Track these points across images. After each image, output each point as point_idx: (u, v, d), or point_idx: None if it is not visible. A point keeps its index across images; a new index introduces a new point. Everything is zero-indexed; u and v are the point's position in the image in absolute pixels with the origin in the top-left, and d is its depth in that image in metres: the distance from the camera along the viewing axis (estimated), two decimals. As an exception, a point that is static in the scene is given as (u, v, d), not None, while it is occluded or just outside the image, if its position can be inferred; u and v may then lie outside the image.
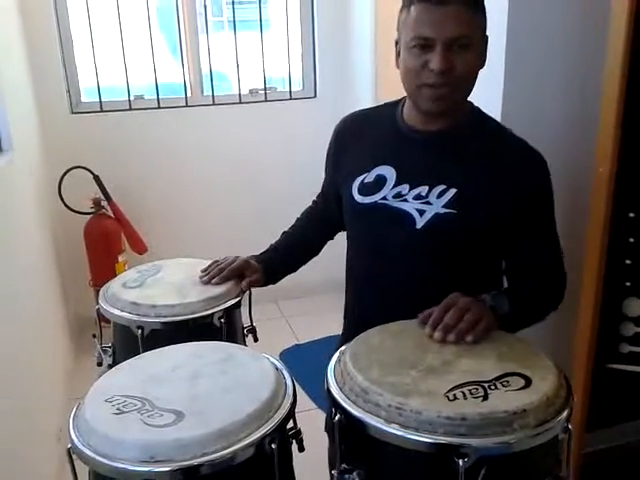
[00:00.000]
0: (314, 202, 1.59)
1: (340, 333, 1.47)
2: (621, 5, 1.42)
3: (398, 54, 1.22)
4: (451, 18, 1.11)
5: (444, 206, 1.21)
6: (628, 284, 1.65)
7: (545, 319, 1.29)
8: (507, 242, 1.28)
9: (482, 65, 1.21)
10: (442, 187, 1.22)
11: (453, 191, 1.21)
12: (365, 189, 1.29)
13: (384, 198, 1.27)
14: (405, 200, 1.25)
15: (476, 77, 1.20)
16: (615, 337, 1.70)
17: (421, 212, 1.23)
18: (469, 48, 1.14)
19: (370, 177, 1.29)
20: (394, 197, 1.26)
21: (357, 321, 1.26)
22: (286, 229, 1.57)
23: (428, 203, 1.23)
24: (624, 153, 1.55)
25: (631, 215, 1.61)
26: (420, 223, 1.23)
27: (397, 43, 1.23)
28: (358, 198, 1.30)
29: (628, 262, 1.63)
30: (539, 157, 1.25)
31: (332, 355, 1.43)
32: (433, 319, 1.09)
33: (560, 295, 1.31)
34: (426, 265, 1.27)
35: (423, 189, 1.23)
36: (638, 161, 1.57)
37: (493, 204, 1.21)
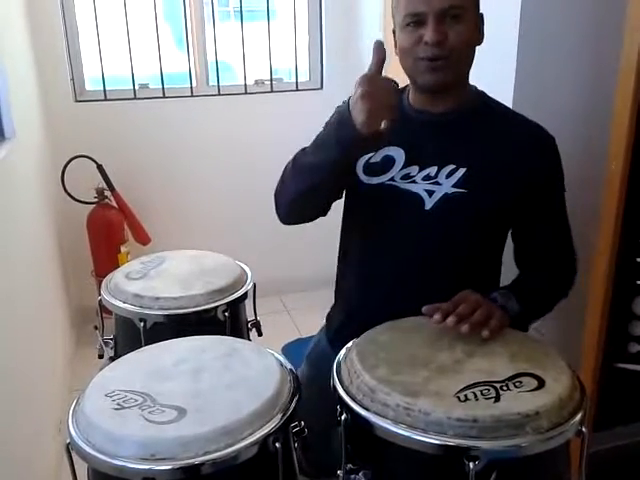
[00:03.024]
0: None
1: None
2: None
3: (396, 43, 1.23)
4: None
5: (454, 186, 1.20)
6: (638, 283, 1.62)
7: (553, 308, 1.27)
8: (519, 224, 1.28)
9: (480, 41, 1.21)
10: (451, 167, 1.21)
11: (462, 170, 1.20)
12: (371, 169, 1.26)
13: (392, 179, 1.24)
14: (414, 182, 1.22)
15: (473, 52, 1.20)
16: (624, 336, 1.67)
17: (430, 193, 1.21)
18: (461, 19, 1.14)
19: (377, 157, 1.26)
20: (402, 178, 1.23)
21: (359, 315, 1.22)
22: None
23: (437, 183, 1.21)
24: (636, 150, 1.52)
25: (643, 212, 1.58)
26: (429, 204, 1.21)
27: (394, 32, 1.24)
28: (363, 178, 1.26)
29: (639, 260, 1.61)
30: (549, 136, 1.24)
31: (316, 340, 1.43)
32: (443, 309, 1.07)
33: (571, 280, 1.30)
34: (435, 248, 1.24)
35: (432, 169, 1.22)
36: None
37: (504, 184, 1.20)
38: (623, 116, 1.49)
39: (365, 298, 1.33)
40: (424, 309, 1.09)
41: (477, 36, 1.20)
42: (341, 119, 1.06)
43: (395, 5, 1.20)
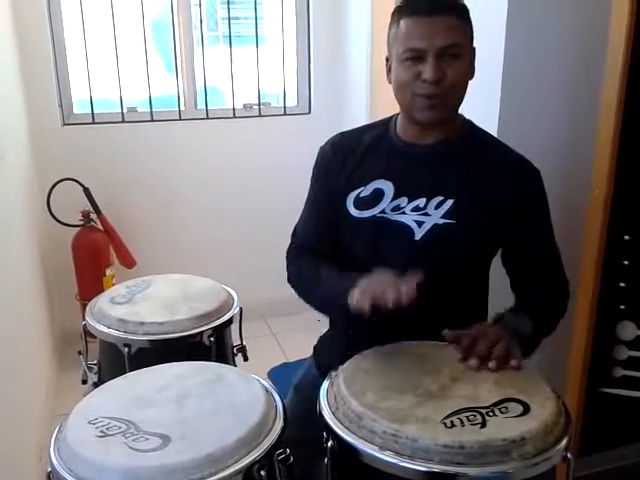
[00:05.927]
0: (295, 248, 1.41)
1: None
2: (619, 25, 1.42)
3: (389, 70, 1.24)
4: (440, 28, 1.14)
5: (442, 217, 1.21)
6: (622, 307, 1.63)
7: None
8: (506, 251, 1.29)
9: (472, 76, 1.23)
10: (440, 198, 1.22)
11: (451, 202, 1.22)
12: (362, 203, 1.28)
13: (383, 211, 1.26)
14: (403, 212, 1.24)
15: (466, 87, 1.22)
16: (608, 361, 1.68)
17: (420, 223, 1.23)
18: (460, 57, 1.16)
19: (367, 191, 1.28)
20: (392, 210, 1.25)
21: (352, 343, 1.22)
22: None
23: (426, 214, 1.23)
24: (619, 175, 1.54)
25: (626, 238, 1.60)
26: (419, 234, 1.22)
27: (388, 60, 1.25)
28: (354, 212, 1.28)
29: (622, 285, 1.62)
30: (533, 169, 1.26)
31: (303, 372, 1.43)
32: (464, 347, 1.09)
33: (564, 303, 1.32)
34: (426, 278, 1.23)
35: (421, 201, 1.23)
36: (633, 183, 1.56)
37: (490, 214, 1.22)
38: (605, 144, 1.52)
39: (356, 327, 1.30)
40: (446, 333, 1.11)
41: (470, 71, 1.22)
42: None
43: (393, 37, 1.20)
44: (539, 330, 1.24)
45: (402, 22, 1.17)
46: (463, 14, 1.19)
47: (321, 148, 1.39)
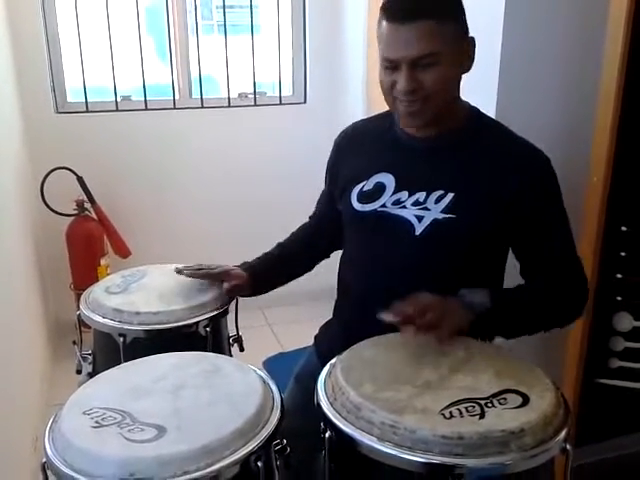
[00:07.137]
0: (310, 218, 1.54)
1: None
2: (619, 10, 1.41)
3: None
4: (414, 38, 1.11)
5: (442, 211, 1.19)
6: (619, 299, 1.64)
7: (570, 324, 1.26)
8: (518, 243, 1.26)
9: (467, 69, 1.21)
10: (440, 192, 1.21)
11: (451, 196, 1.20)
12: (364, 197, 1.27)
13: (383, 205, 1.25)
14: (404, 207, 1.23)
15: (455, 84, 1.21)
16: (605, 352, 1.68)
17: (419, 218, 1.21)
18: (437, 64, 1.12)
19: (369, 185, 1.27)
20: (393, 204, 1.24)
21: (352, 333, 1.21)
22: (280, 240, 1.52)
23: (426, 209, 1.21)
24: (618, 164, 1.54)
25: (623, 229, 1.60)
26: (419, 229, 1.21)
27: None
28: (357, 206, 1.28)
29: (619, 276, 1.62)
30: (542, 155, 1.23)
31: (304, 362, 1.43)
32: (397, 311, 1.07)
33: (581, 297, 1.26)
34: (426, 272, 1.24)
35: (421, 195, 1.22)
36: (631, 173, 1.56)
37: (492, 208, 1.19)
38: (604, 132, 1.51)
39: (358, 320, 1.31)
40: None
41: (457, 70, 1.19)
42: None
43: (378, 38, 1.18)
44: (520, 312, 1.20)
45: (383, 25, 1.15)
46: (446, 15, 1.13)
47: (336, 138, 1.43)
